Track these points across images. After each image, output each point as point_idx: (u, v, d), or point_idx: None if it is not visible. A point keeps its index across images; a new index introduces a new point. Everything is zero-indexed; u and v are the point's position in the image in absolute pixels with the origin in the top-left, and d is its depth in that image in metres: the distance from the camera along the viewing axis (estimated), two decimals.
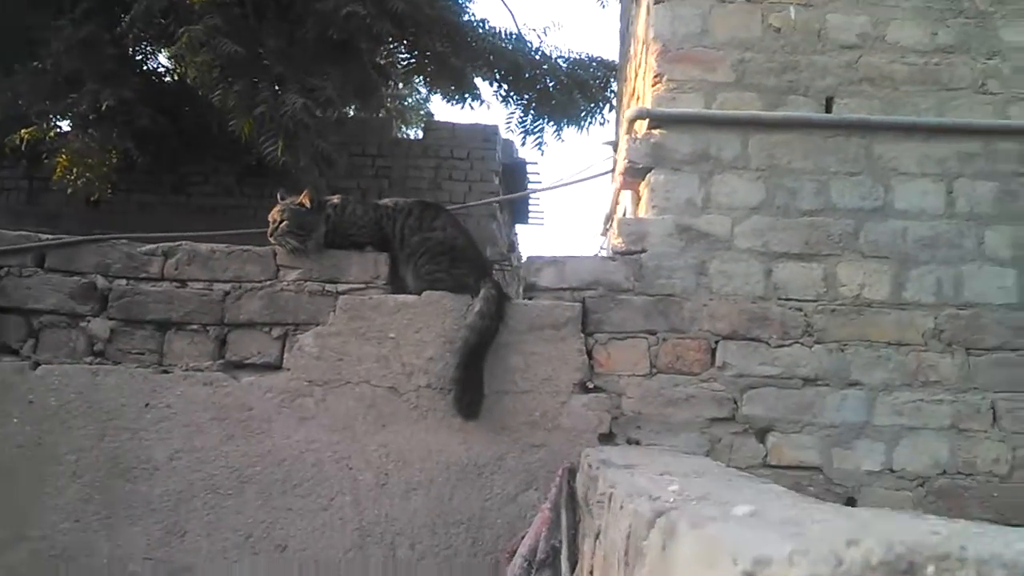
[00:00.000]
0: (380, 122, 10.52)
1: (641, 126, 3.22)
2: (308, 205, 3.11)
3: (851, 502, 2.97)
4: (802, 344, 3.04)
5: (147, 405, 3.06)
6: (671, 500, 1.05)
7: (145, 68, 8.84)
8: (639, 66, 3.77)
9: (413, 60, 7.93)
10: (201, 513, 2.97)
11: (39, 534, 2.96)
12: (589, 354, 3.06)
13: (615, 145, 4.18)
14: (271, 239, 3.13)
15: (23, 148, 7.87)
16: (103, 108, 7.07)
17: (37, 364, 3.09)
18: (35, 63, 7.64)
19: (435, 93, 8.72)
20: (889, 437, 2.99)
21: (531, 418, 3.02)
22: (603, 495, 1.71)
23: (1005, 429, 2.98)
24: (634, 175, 3.23)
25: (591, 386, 3.05)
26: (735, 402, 3.02)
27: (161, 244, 3.20)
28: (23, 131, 7.76)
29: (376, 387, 3.05)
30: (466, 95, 8.10)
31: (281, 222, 3.09)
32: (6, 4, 7.64)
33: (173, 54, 6.69)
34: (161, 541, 2.96)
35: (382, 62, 8.72)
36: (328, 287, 3.13)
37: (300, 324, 3.11)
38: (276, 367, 3.10)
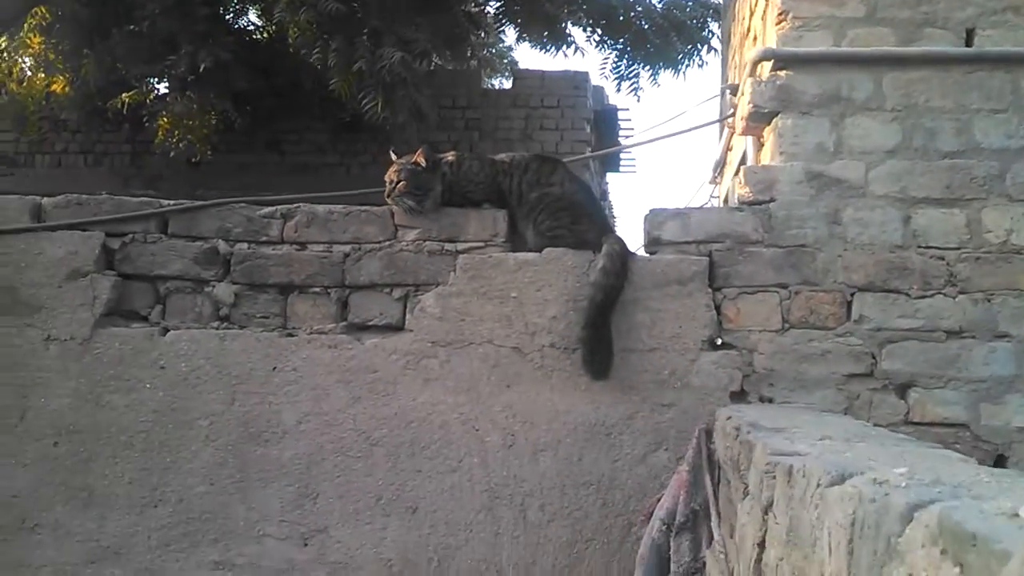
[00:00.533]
0: (469, 73, 10.41)
1: (764, 68, 3.07)
2: (424, 164, 3.06)
3: (1000, 460, 2.84)
4: (945, 295, 2.89)
5: (274, 369, 3.08)
6: (903, 484, 0.96)
7: (237, 27, 8.90)
8: (756, 3, 3.59)
9: (503, 7, 7.76)
10: (332, 476, 3.00)
11: (176, 497, 3.03)
12: (718, 310, 2.97)
13: (731, 89, 4.00)
14: (388, 200, 3.09)
15: (124, 112, 8.03)
16: (201, 70, 7.14)
17: (166, 330, 3.14)
18: (131, 27, 7.74)
19: (525, 41, 8.51)
20: None
21: (659, 377, 2.95)
22: (770, 465, 1.63)
23: None
24: (759, 120, 3.09)
25: (720, 343, 2.96)
26: (873, 357, 2.90)
27: (279, 207, 3.20)
28: (124, 95, 7.92)
29: (500, 347, 3.01)
30: (559, 42, 7.92)
31: (398, 183, 3.05)
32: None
33: (274, 17, 6.67)
34: (294, 504, 3.00)
35: (473, 10, 8.60)
36: (447, 246, 3.09)
37: (421, 284, 3.08)
38: (398, 328, 3.08)
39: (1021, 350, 2.84)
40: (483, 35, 9.46)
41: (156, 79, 8.24)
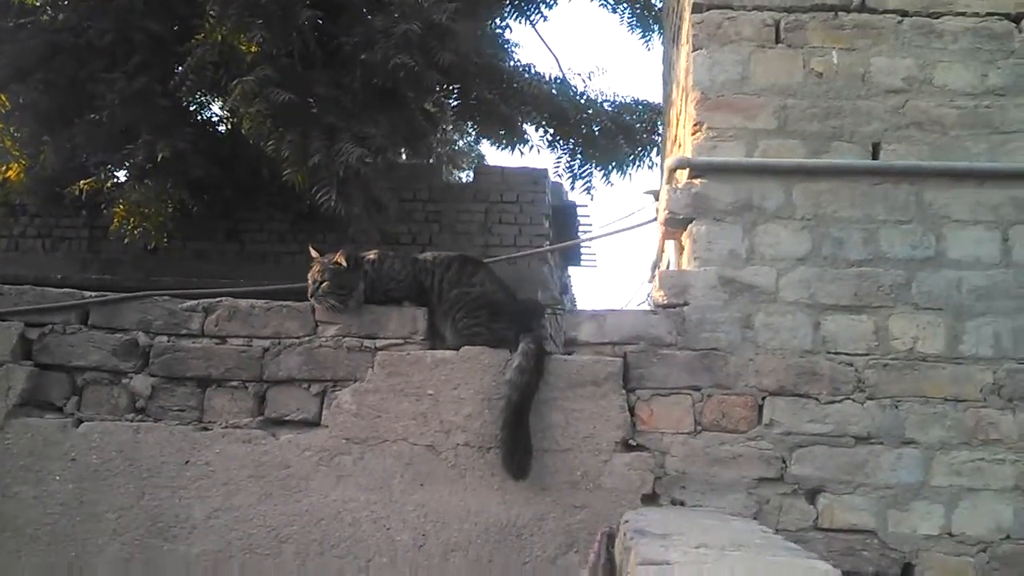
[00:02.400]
0: (430, 167, 10.60)
1: (682, 175, 3.16)
2: (345, 264, 3.10)
3: (908, 568, 2.84)
4: (853, 400, 2.93)
5: (187, 462, 3.05)
6: None
7: (199, 119, 9.04)
8: (679, 113, 3.71)
9: (460, 105, 7.96)
10: (239, 573, 2.94)
11: None
12: (631, 411, 2.99)
13: (654, 194, 4.11)
14: (312, 300, 3.12)
15: (82, 198, 8.07)
16: (159, 159, 7.21)
17: (80, 421, 3.11)
18: (92, 115, 7.83)
19: (485, 138, 8.70)
20: (948, 499, 2.85)
21: (572, 477, 2.95)
22: (637, 573, 1.63)
23: None
24: (675, 225, 3.17)
25: (634, 444, 2.97)
26: (784, 461, 2.91)
27: (202, 300, 3.21)
28: (82, 182, 7.96)
29: (414, 445, 3.00)
30: (515, 140, 8.12)
31: (322, 282, 3.08)
32: (63, 58, 7.84)
33: (227, 105, 6.80)
34: None
35: (431, 109, 8.80)
36: (367, 342, 3.11)
37: (339, 380, 3.09)
38: (315, 424, 3.07)
39: (928, 457, 2.87)
40: (443, 132, 9.64)
41: (115, 167, 8.30)
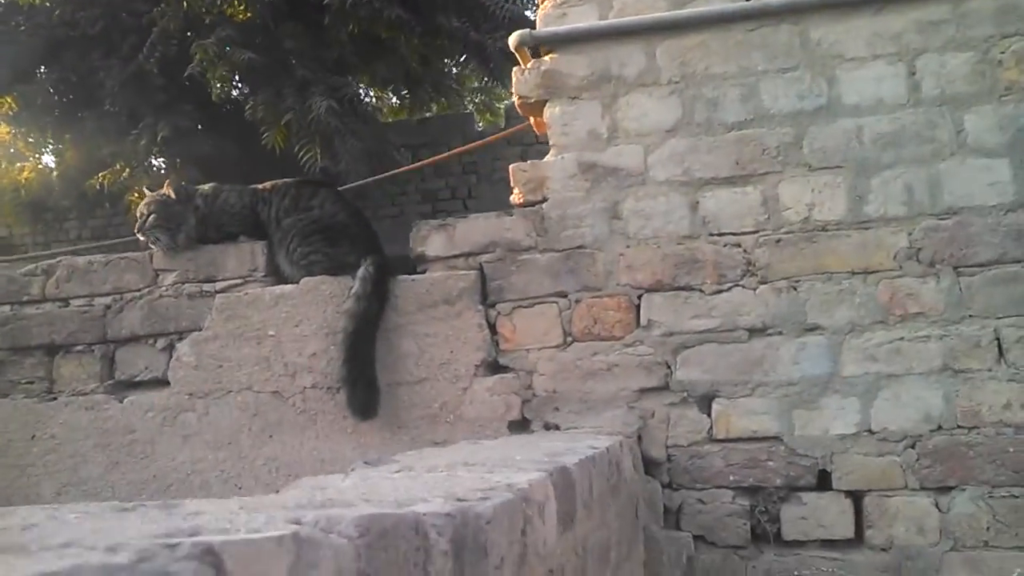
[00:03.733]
0: (462, 117, 10.27)
1: (525, 55, 2.73)
2: (174, 196, 2.80)
3: (824, 476, 2.39)
4: (744, 287, 2.47)
5: (33, 437, 2.83)
6: None
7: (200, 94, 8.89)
8: None
9: (424, 35, 7.46)
10: None
11: None
12: (492, 328, 2.61)
13: None
14: (139, 235, 2.85)
15: (103, 191, 8.05)
16: (158, 139, 7.09)
17: None
18: (99, 107, 7.76)
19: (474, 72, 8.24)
20: (863, 390, 2.38)
21: (430, 411, 2.60)
22: None
23: (1015, 364, 2.31)
24: (529, 110, 2.75)
25: (501, 364, 2.59)
26: (668, 367, 2.49)
27: (41, 263, 2.97)
28: (99, 175, 7.94)
29: (259, 393, 2.70)
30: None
31: (148, 215, 2.80)
32: (64, 53, 7.77)
33: (191, 72, 6.58)
34: None
35: (426, 54, 8.39)
36: (206, 286, 2.81)
37: (184, 331, 2.81)
38: (165, 382, 2.80)
39: (836, 343, 2.40)
40: (450, 72, 9.21)
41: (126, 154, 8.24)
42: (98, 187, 8.04)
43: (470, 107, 12.93)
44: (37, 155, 8.36)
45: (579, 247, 2.58)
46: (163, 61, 6.99)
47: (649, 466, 2.46)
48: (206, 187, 2.92)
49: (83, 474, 2.77)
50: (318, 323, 2.68)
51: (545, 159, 2.67)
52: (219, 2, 6.70)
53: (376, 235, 2.86)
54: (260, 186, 2.91)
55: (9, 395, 2.90)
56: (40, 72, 8.05)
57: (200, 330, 2.77)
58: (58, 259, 2.97)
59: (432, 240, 2.68)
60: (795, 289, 2.44)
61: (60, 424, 2.82)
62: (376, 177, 6.00)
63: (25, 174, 8.67)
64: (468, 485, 1.23)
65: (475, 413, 2.57)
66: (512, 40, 2.73)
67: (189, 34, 7.01)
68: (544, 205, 2.62)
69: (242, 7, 6.92)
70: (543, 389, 2.55)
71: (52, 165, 8.59)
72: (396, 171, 6.39)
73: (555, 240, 2.59)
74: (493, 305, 2.62)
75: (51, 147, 8.29)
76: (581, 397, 2.52)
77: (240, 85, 7.71)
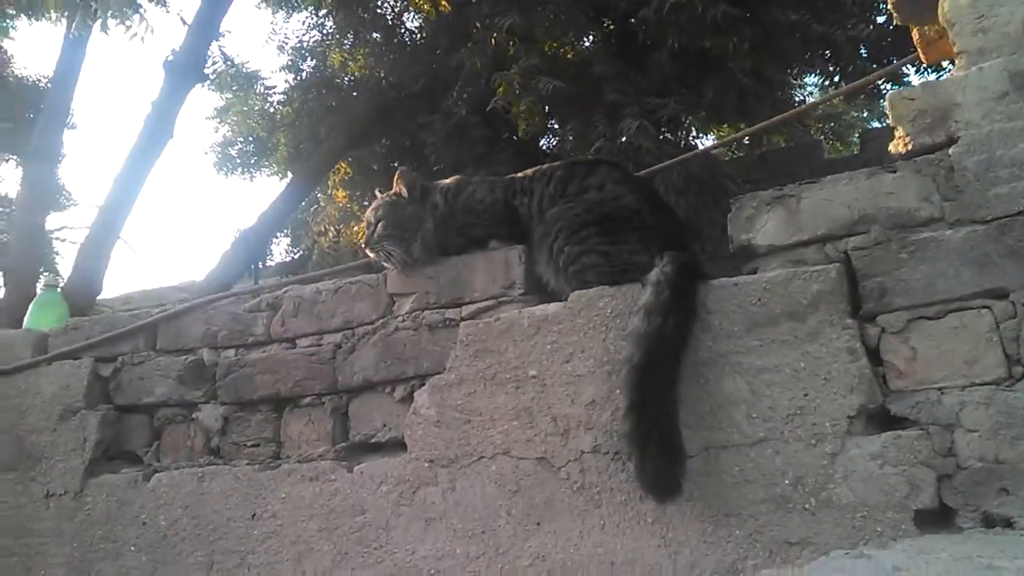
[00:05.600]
0: (808, 147, 9.11)
1: None
2: (406, 194, 2.10)
3: None
4: None
5: (253, 516, 2.21)
6: None
7: (515, 139, 8.53)
8: None
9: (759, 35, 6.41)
10: None
11: None
12: (873, 355, 1.59)
13: None
14: (368, 251, 2.18)
15: None
16: None
17: (153, 473, 2.42)
18: (428, 164, 7.63)
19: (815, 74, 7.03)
20: None
21: (774, 490, 1.62)
22: None
23: None
24: (913, 13, 1.73)
25: (893, 414, 1.57)
26: None
27: (265, 296, 2.39)
28: None
29: (519, 460, 1.88)
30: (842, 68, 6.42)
31: (376, 223, 2.12)
32: (392, 115, 7.77)
33: (491, 105, 6.09)
34: None
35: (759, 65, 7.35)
36: (450, 313, 2.07)
37: (425, 375, 2.07)
38: (404, 445, 2.08)
39: None
40: (790, 88, 8.00)
41: None
42: None
43: (818, 136, 11.60)
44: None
45: (1021, 213, 1.50)
46: (472, 102, 6.63)
47: None
48: (448, 180, 2.18)
49: (306, 567, 2.09)
50: (597, 357, 1.81)
51: (949, 75, 1.63)
52: (525, 34, 6.18)
53: (682, 225, 1.96)
54: (519, 174, 2.13)
55: (232, 460, 2.32)
56: (370, 137, 8.11)
57: (442, 372, 2.01)
58: (284, 289, 2.38)
59: (764, 222, 1.73)
60: None
61: (282, 500, 2.17)
62: None
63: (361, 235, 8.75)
64: None
65: (852, 495, 1.55)
66: None
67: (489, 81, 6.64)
68: (952, 150, 1.58)
69: (558, 44, 6.38)
70: (974, 456, 1.48)
71: None
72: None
73: (976, 205, 1.54)
74: (872, 318, 1.60)
75: None
76: None
77: (550, 116, 7.16)
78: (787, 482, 1.60)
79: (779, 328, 1.65)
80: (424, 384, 2.06)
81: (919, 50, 1.89)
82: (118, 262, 12.08)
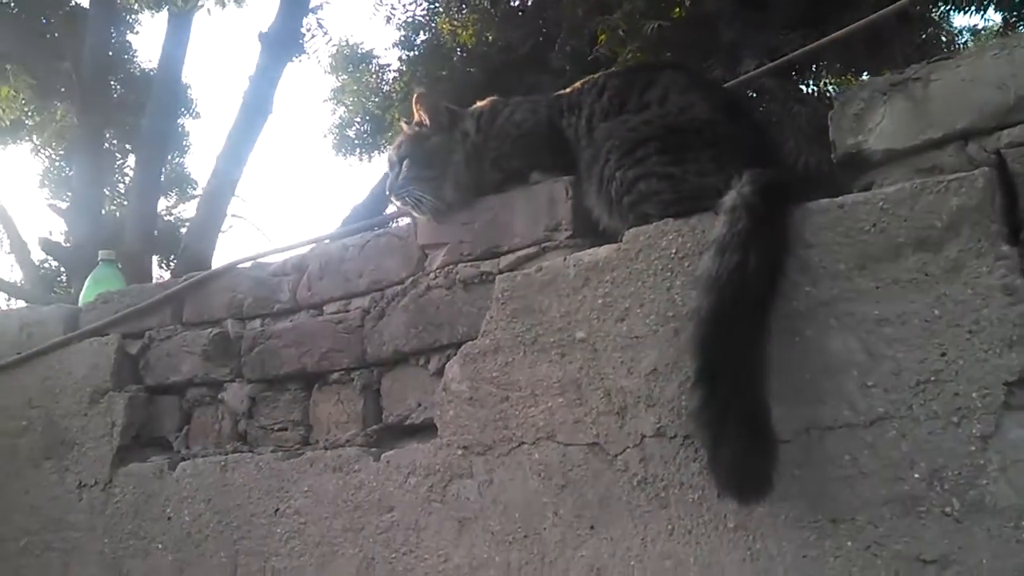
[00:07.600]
0: None
1: None
2: (429, 123, 1.73)
3: None
4: None
5: (276, 512, 1.90)
6: None
7: None
8: None
9: None
10: None
11: None
12: None
13: None
14: (392, 199, 1.81)
15: None
16: None
17: (180, 461, 2.14)
18: None
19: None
20: None
21: (901, 487, 1.17)
22: None
23: None
24: None
25: None
26: None
27: (292, 258, 2.07)
28: None
29: (567, 446, 1.48)
30: None
31: (399, 163, 1.76)
32: (503, 77, 7.53)
33: (595, 55, 5.64)
34: None
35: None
36: (486, 265, 1.68)
37: (461, 341, 1.70)
38: (435, 428, 1.71)
39: None
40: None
41: None
42: None
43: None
44: None
45: None
46: (575, 57, 6.22)
47: None
48: (483, 103, 1.79)
49: (330, 573, 1.76)
50: (660, 312, 1.39)
51: None
52: None
53: (771, 141, 1.50)
54: (567, 89, 1.71)
55: (258, 447, 2.01)
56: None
57: (476, 338, 1.63)
58: (310, 248, 2.04)
59: (879, 118, 1.26)
60: None
61: (305, 494, 1.85)
62: None
63: None
64: None
65: (1014, 495, 1.09)
66: None
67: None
68: None
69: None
70: None
71: None
72: None
73: None
74: None
75: None
76: None
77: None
78: (918, 476, 1.15)
79: (904, 263, 1.19)
80: (457, 353, 1.68)
81: None
82: (229, 242, 12.27)
